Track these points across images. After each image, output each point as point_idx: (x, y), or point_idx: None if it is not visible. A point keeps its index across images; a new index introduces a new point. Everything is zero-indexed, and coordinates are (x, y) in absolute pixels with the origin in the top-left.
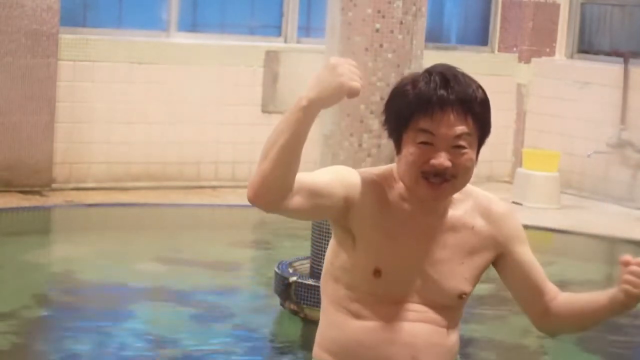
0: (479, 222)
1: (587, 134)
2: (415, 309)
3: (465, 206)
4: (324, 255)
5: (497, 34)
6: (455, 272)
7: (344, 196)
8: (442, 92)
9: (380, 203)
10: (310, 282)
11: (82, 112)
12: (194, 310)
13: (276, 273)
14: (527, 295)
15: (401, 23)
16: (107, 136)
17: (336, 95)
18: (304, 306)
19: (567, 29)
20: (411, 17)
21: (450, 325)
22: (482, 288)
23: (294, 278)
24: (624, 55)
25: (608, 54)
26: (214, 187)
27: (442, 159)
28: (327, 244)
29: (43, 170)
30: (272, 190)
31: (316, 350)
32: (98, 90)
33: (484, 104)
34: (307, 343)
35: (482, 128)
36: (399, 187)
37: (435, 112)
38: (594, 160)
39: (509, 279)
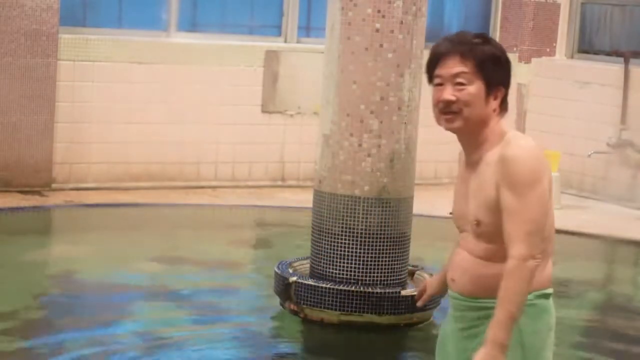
0: (495, 162)
1: (587, 134)
2: (463, 237)
3: (496, 149)
4: (324, 255)
5: (497, 34)
6: (475, 201)
7: None
8: (443, 44)
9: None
10: (310, 282)
11: (82, 112)
12: (193, 310)
13: (276, 273)
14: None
15: (401, 23)
16: (106, 136)
17: None
18: (304, 306)
19: (567, 29)
20: (411, 16)
21: (482, 256)
22: None
23: (294, 278)
24: (624, 55)
25: (608, 54)
26: (213, 187)
27: (445, 93)
28: (327, 244)
29: (43, 170)
30: None
31: None
32: (98, 90)
33: (488, 54)
34: (307, 343)
35: (484, 70)
36: None
37: (439, 59)
38: (594, 160)
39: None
